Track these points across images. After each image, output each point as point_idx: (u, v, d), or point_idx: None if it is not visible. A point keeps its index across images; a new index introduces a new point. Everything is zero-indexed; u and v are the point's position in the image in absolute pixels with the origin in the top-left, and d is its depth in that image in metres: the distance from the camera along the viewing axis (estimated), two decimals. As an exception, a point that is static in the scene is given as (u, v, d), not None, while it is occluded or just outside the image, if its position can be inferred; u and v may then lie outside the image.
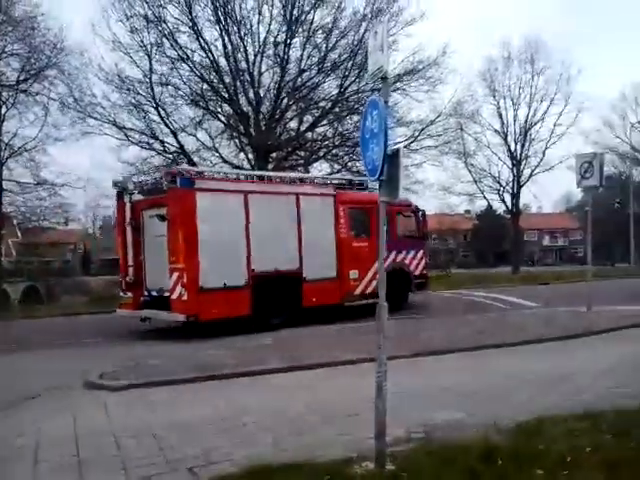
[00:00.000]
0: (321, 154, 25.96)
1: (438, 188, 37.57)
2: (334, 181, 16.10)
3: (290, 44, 23.88)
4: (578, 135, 41.78)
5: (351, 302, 14.26)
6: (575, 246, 76.53)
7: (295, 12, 23.25)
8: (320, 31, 24.09)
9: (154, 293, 12.95)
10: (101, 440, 5.46)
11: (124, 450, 5.16)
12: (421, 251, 16.36)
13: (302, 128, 25.72)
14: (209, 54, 23.37)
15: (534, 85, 38.54)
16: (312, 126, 25.55)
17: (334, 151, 25.77)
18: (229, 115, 24.90)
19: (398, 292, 14.47)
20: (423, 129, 25.83)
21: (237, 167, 24.13)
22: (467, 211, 61.33)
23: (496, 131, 39.39)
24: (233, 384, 7.74)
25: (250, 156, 25.20)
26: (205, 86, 24.01)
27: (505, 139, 39.34)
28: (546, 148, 38.82)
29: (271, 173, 14.59)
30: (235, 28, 23.13)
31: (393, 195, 4.59)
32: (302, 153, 26.45)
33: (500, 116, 39.18)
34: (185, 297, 11.66)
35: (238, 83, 23.81)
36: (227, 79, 23.96)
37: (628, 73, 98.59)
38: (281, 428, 5.65)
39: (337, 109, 24.90)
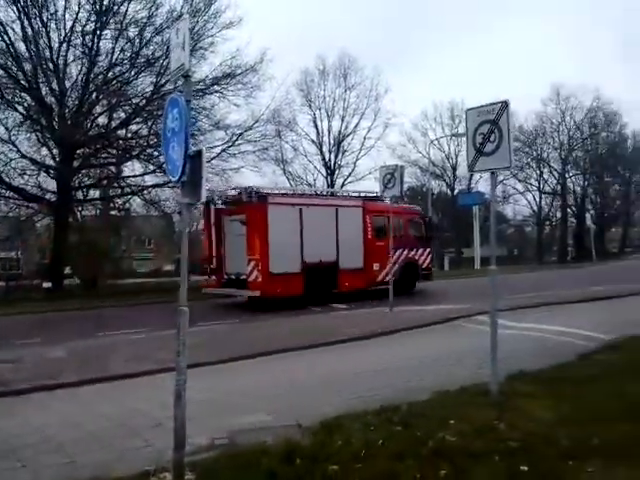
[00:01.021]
0: (134, 153, 24.79)
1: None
2: (362, 194, 20.35)
3: (100, 35, 22.58)
4: (386, 149, 44.69)
5: (374, 287, 18.20)
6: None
7: (106, 1, 21.98)
8: (134, 25, 23.09)
9: (232, 276, 17.26)
10: None
11: None
12: (427, 249, 20.90)
13: (113, 124, 24.38)
14: (4, 36, 21.18)
15: (347, 99, 40.65)
16: (124, 123, 24.34)
17: (149, 151, 24.76)
18: (29, 106, 22.74)
19: (410, 280, 19.61)
20: (241, 134, 25.89)
21: (38, 163, 22.18)
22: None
23: (312, 140, 40.88)
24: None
25: (55, 151, 23.27)
26: (0, 72, 21.69)
27: (320, 149, 40.99)
28: (357, 159, 41.18)
29: (318, 190, 19.21)
30: (36, 11, 21.23)
31: (195, 197, 4.44)
32: (113, 151, 25.05)
33: (316, 126, 40.75)
34: (260, 279, 15.88)
35: (40, 71, 21.86)
36: (27, 66, 21.92)
37: (430, 94, 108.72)
38: (81, 443, 5.29)
39: (152, 107, 23.95)
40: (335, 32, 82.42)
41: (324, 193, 19.12)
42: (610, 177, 58.47)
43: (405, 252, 19.59)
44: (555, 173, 55.91)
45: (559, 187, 55.75)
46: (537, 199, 55.56)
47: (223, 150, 25.54)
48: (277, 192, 18.32)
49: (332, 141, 41.00)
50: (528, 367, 7.65)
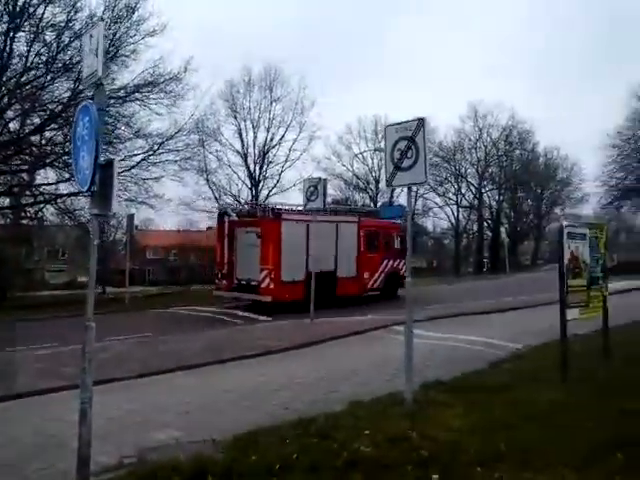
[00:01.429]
0: (49, 160, 23.68)
1: (179, 204, 37.12)
2: (357, 211, 23.47)
3: (14, 37, 21.48)
4: (311, 161, 44.83)
5: (365, 294, 20.56)
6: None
7: (20, 2, 21.01)
8: (51, 29, 22.12)
9: (243, 282, 18.62)
10: None
11: None
12: (400, 261, 21.68)
13: (26, 130, 23.24)
14: None
15: (272, 111, 40.56)
16: (38, 129, 23.23)
17: (64, 158, 23.69)
18: None
19: (393, 287, 21.45)
20: (163, 143, 25.28)
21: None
22: (209, 228, 61.98)
23: (237, 151, 40.50)
24: None
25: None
26: None
27: (245, 160, 40.65)
28: (282, 171, 41.10)
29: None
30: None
31: (105, 208, 4.30)
32: (26, 158, 23.87)
33: (241, 137, 40.34)
34: (272, 286, 17.54)
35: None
36: None
37: (355, 109, 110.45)
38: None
39: (69, 113, 22.98)
40: (261, 44, 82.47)
41: (328, 210, 19.74)
42: (523, 192, 61.59)
43: (390, 262, 21.72)
44: (472, 188, 58.37)
45: (476, 201, 58.16)
46: (455, 212, 57.58)
47: (143, 159, 24.86)
48: (288, 209, 19.71)
49: (257, 152, 40.76)
50: (442, 376, 7.88)
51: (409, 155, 6.51)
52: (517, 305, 17.93)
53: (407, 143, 6.52)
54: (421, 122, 6.47)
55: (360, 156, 51.37)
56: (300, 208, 19.99)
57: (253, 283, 18.12)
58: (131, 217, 24.45)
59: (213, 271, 18.53)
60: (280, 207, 19.50)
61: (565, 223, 7.97)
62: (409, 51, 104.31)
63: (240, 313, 17.58)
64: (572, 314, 7.63)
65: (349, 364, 9.57)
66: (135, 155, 24.84)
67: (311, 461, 4.67)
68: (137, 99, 24.01)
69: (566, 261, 7.57)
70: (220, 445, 5.24)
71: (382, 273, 21.32)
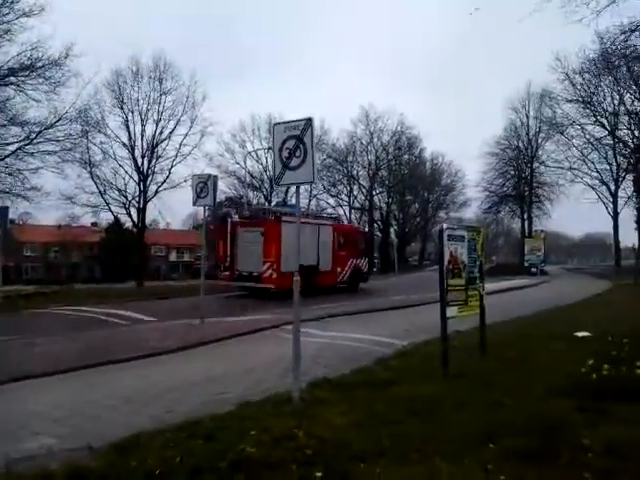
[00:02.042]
0: None
1: (59, 197, 34.94)
2: (332, 216, 30.28)
3: None
4: (203, 157, 43.76)
5: (337, 285, 24.91)
6: (200, 262, 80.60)
7: None
8: None
9: (244, 273, 22.16)
10: None
11: None
12: (367, 259, 27.77)
13: None
14: None
15: (162, 103, 39.19)
16: None
17: None
18: None
19: (356, 281, 26.46)
20: (41, 132, 23.73)
21: None
22: (94, 224, 59.07)
23: (123, 144, 38.71)
24: None
25: None
26: None
27: (132, 153, 38.87)
28: (172, 166, 39.79)
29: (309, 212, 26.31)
30: None
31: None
32: None
33: (128, 129, 38.60)
34: (274, 276, 21.05)
35: None
36: None
37: (249, 107, 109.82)
38: None
39: None
40: (151, 33, 79.93)
41: (312, 214, 27.33)
42: (411, 196, 64.30)
43: (354, 261, 26.20)
44: (364, 190, 60.05)
45: (367, 203, 59.84)
46: (348, 214, 58.93)
47: (19, 148, 23.23)
48: (285, 213, 23.33)
49: (145, 146, 39.05)
50: (330, 374, 7.99)
51: (297, 154, 6.53)
52: (405, 304, 18.62)
53: (295, 142, 6.54)
54: (309, 122, 6.51)
55: (254, 154, 51.15)
56: (294, 212, 23.93)
57: (254, 274, 21.80)
58: (5, 210, 22.67)
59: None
60: (280, 211, 23.64)
61: (445, 226, 8.32)
62: (305, 53, 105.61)
63: (125, 313, 16.83)
64: (452, 312, 8.00)
65: (240, 364, 9.43)
66: (10, 144, 23.16)
67: (194, 464, 4.55)
68: (12, 83, 22.43)
69: (446, 262, 7.93)
70: (98, 452, 4.97)
71: (349, 269, 25.82)
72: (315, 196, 55.90)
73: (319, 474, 4.38)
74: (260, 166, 52.39)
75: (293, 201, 37.86)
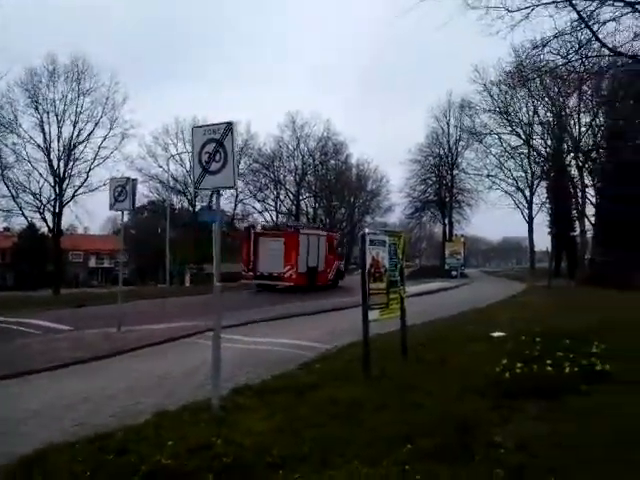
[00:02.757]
0: None
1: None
2: (327, 228, 41.02)
3: None
4: (123, 160, 42.47)
5: (328, 283, 30.52)
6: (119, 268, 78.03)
7: None
8: None
9: (265, 274, 27.72)
10: None
11: None
12: (342, 261, 37.60)
13: None
14: None
15: (80, 104, 37.88)
16: None
17: None
18: None
19: (338, 279, 32.41)
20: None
21: None
22: (7, 229, 56.06)
23: (38, 145, 37.06)
24: None
25: None
26: None
27: (48, 155, 37.32)
28: (90, 169, 38.45)
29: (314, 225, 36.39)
30: None
31: None
32: None
33: (43, 130, 37.00)
34: (294, 275, 27.08)
35: None
36: None
37: (173, 110, 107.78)
38: None
39: None
40: (68, 31, 76.90)
41: (315, 227, 36.31)
42: (337, 201, 64.89)
43: (337, 262, 32.98)
44: (290, 195, 60.09)
45: (294, 208, 59.90)
46: (274, 218, 58.78)
47: None
48: (302, 226, 32.05)
49: (62, 148, 37.69)
50: (252, 380, 7.89)
51: (217, 159, 6.41)
52: (328, 307, 18.72)
53: (215, 146, 6.42)
54: (229, 126, 6.40)
55: (177, 157, 50.22)
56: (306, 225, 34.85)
57: (275, 274, 27.24)
58: None
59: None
60: (297, 225, 32.34)
61: (367, 231, 8.40)
62: (232, 57, 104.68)
63: (39, 323, 15.98)
64: (373, 315, 8.09)
65: (159, 373, 9.11)
66: None
67: (106, 478, 4.35)
68: None
69: (368, 266, 8.01)
70: (1, 469, 4.66)
71: (334, 270, 31.91)
72: (241, 201, 55.51)
73: (236, 483, 4.28)
74: (184, 170, 51.56)
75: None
